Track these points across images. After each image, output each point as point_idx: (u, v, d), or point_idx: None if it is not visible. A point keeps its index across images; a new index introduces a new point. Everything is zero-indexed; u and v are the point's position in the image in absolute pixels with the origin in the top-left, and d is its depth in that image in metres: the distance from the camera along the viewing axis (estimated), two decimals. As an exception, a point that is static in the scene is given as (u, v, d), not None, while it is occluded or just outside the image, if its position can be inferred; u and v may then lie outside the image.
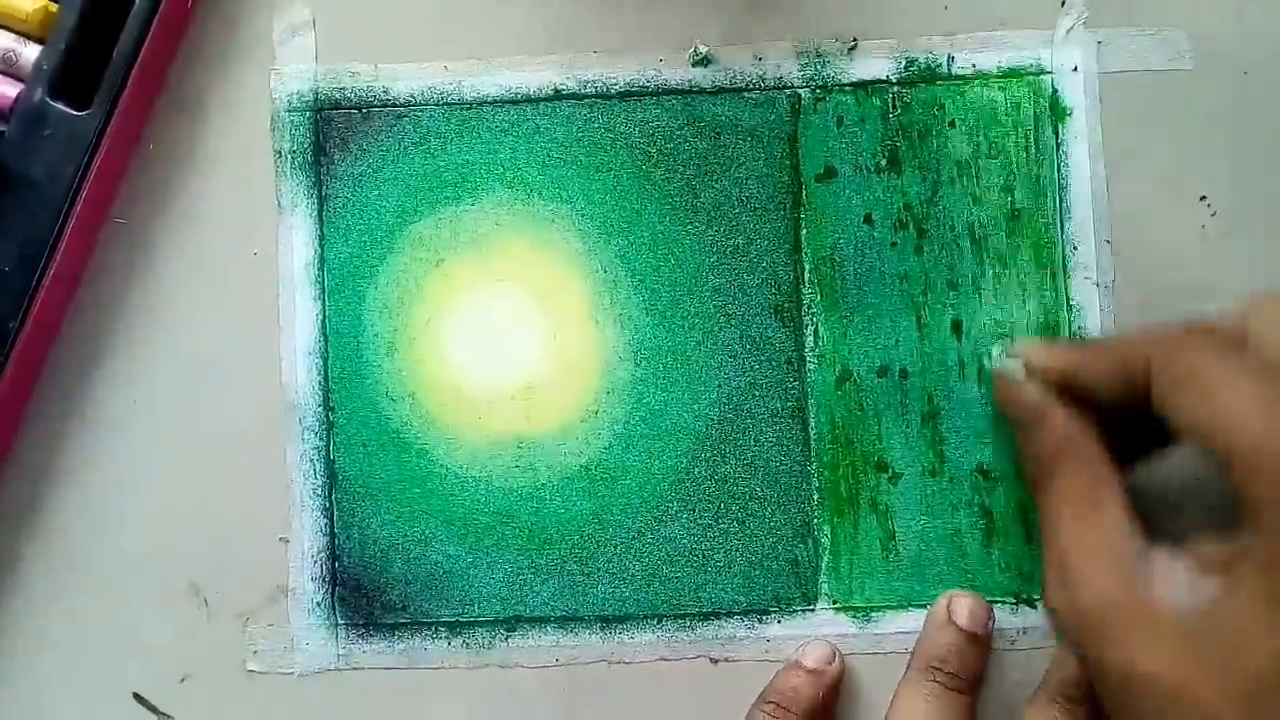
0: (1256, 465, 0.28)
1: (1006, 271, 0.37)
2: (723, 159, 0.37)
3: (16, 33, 0.36)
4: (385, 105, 0.38)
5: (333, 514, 0.37)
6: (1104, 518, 0.31)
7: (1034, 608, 0.36)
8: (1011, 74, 0.37)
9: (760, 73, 0.37)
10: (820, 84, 0.37)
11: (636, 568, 0.37)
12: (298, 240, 0.37)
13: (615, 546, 0.37)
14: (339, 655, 0.37)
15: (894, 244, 0.37)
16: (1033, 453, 0.33)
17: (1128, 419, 0.32)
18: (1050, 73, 0.37)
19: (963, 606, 0.35)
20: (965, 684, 0.35)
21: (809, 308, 0.37)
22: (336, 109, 0.38)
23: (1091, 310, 0.37)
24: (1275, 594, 0.27)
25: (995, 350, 0.36)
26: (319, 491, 0.37)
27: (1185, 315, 0.32)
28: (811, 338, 0.37)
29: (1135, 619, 0.29)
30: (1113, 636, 0.29)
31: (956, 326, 0.37)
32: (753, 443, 0.37)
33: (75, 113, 0.35)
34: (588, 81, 0.37)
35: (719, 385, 0.37)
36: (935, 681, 0.34)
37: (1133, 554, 0.30)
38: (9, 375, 0.35)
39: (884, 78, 0.37)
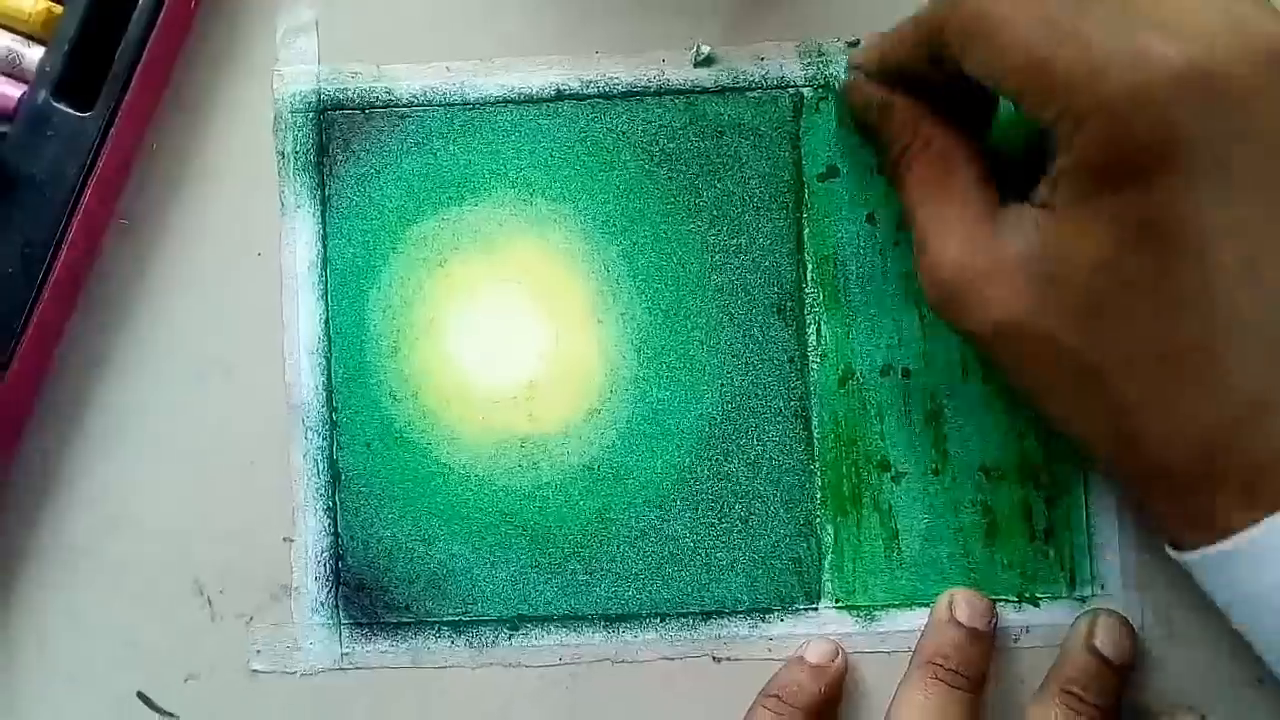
0: (1043, 87, 0.28)
1: (1009, 270, 0.37)
2: (725, 158, 0.37)
3: (19, 34, 0.36)
4: (388, 106, 0.38)
5: (336, 514, 0.37)
6: (954, 188, 0.32)
7: (1038, 606, 0.36)
8: (1014, 72, 0.37)
9: (762, 72, 0.37)
10: (823, 83, 0.37)
11: (639, 567, 0.37)
12: (300, 241, 0.37)
13: (618, 545, 0.37)
14: (342, 655, 0.37)
15: (896, 243, 0.37)
16: (885, 148, 0.34)
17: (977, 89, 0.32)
18: (1053, 71, 0.37)
19: (964, 602, 0.35)
20: (968, 681, 0.34)
21: (811, 307, 0.37)
22: (339, 110, 0.38)
23: (1094, 309, 0.37)
24: (1082, 201, 0.28)
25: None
26: (322, 491, 0.37)
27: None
28: (814, 337, 0.37)
29: (989, 276, 0.30)
30: (973, 299, 0.31)
31: (959, 325, 0.37)
32: (755, 442, 0.37)
33: (78, 114, 0.35)
34: (590, 82, 0.37)
35: (721, 384, 0.37)
36: (937, 679, 0.34)
37: (984, 216, 0.31)
38: (13, 376, 0.35)
39: (886, 76, 0.37)
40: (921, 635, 0.36)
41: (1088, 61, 0.27)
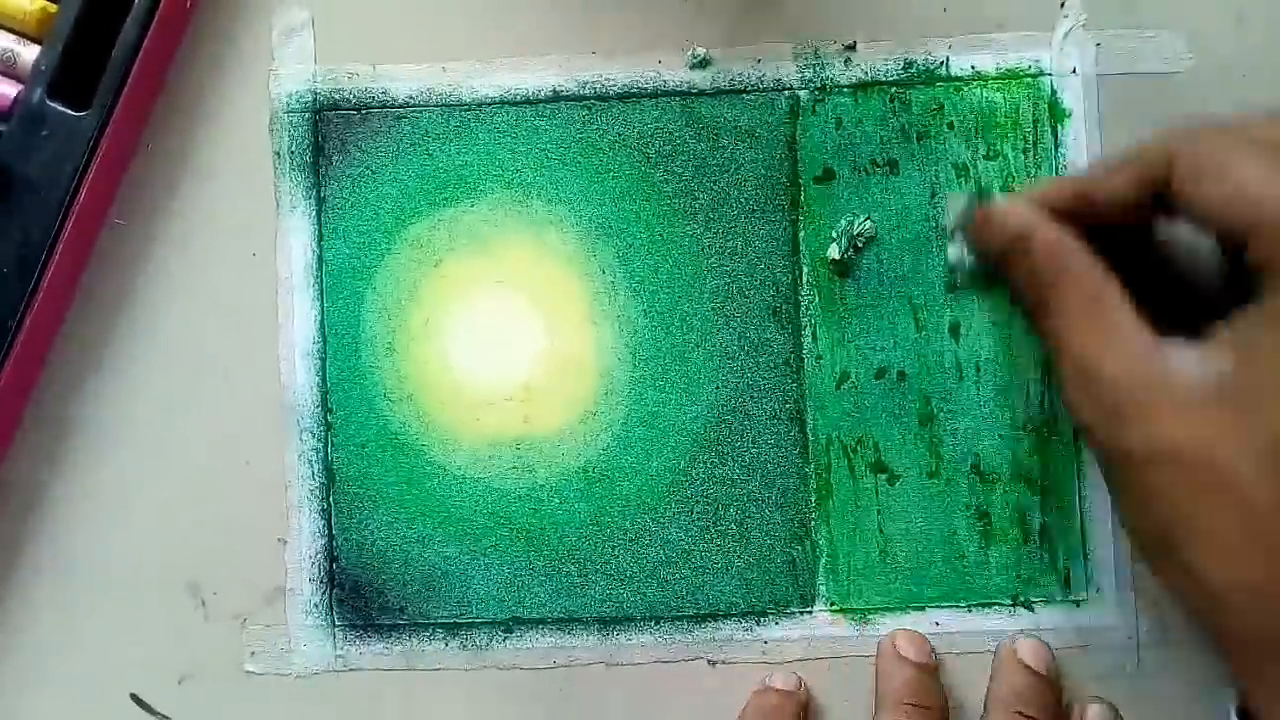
0: (1265, 230, 0.29)
1: (1005, 273, 0.37)
2: (721, 160, 0.37)
3: (15, 33, 0.36)
4: (384, 106, 0.38)
5: (331, 515, 0.37)
6: (1112, 315, 0.31)
7: (1031, 610, 0.36)
8: (1010, 76, 0.37)
9: (759, 74, 0.37)
10: (819, 85, 0.37)
11: (634, 569, 0.37)
12: (296, 241, 0.37)
13: (613, 548, 0.37)
14: (337, 656, 0.37)
15: (892, 246, 0.37)
16: (1029, 276, 0.33)
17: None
18: (1049, 75, 0.37)
19: (906, 641, 0.36)
20: (935, 713, 0.35)
21: (807, 309, 0.37)
22: (335, 110, 0.38)
23: (1090, 312, 0.37)
24: None
25: (954, 202, 0.36)
26: (317, 492, 0.37)
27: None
28: (809, 339, 0.37)
29: (1156, 395, 0.29)
30: (1136, 415, 0.29)
31: (954, 329, 0.37)
32: (750, 444, 0.37)
33: (74, 113, 0.35)
34: (586, 83, 0.37)
35: (717, 387, 0.37)
36: (909, 718, 0.35)
37: (1150, 343, 0.30)
38: (7, 376, 0.35)
39: (883, 79, 0.37)
40: (878, 681, 0.36)
41: None
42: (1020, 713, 0.34)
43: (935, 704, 0.35)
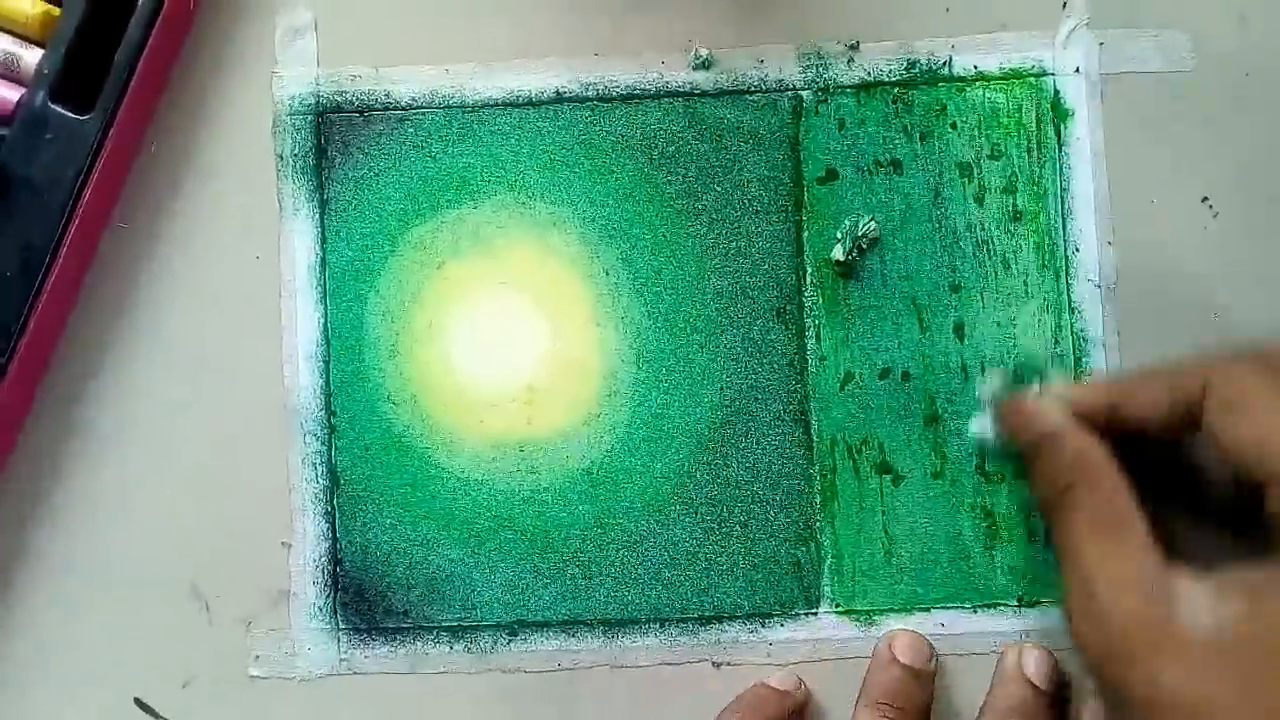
0: None
1: (1008, 273, 0.37)
2: (724, 161, 0.37)
3: (18, 36, 0.36)
4: (387, 108, 0.38)
5: (334, 518, 0.37)
6: (1126, 539, 0.30)
7: (1036, 610, 0.36)
8: (1013, 75, 0.37)
9: (762, 75, 0.37)
10: (822, 86, 0.37)
11: (638, 571, 0.37)
12: (299, 244, 0.37)
13: (617, 550, 0.37)
14: (341, 660, 0.37)
15: (896, 246, 0.37)
16: (1048, 477, 0.32)
17: (1139, 453, 0.31)
18: (1052, 74, 0.37)
19: (903, 643, 0.36)
20: (910, 715, 0.35)
21: (811, 310, 0.37)
22: (338, 112, 0.38)
23: (1093, 312, 0.37)
24: None
25: (992, 380, 0.36)
26: (321, 495, 0.37)
27: (1233, 341, 0.32)
28: (813, 340, 0.37)
29: (1162, 640, 0.28)
30: (1139, 659, 0.28)
31: (959, 329, 0.37)
32: (755, 445, 0.37)
33: (77, 117, 0.35)
34: (589, 84, 0.37)
35: (721, 388, 0.37)
36: (885, 718, 0.35)
37: (1157, 576, 0.29)
38: (10, 379, 0.35)
39: (886, 79, 0.37)
40: (866, 675, 0.36)
41: None
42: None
43: (913, 707, 0.35)
